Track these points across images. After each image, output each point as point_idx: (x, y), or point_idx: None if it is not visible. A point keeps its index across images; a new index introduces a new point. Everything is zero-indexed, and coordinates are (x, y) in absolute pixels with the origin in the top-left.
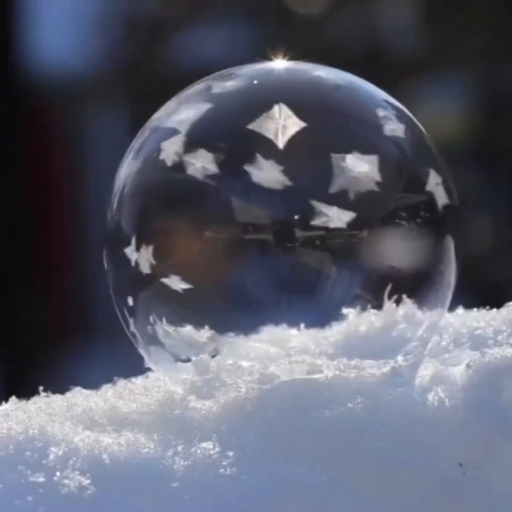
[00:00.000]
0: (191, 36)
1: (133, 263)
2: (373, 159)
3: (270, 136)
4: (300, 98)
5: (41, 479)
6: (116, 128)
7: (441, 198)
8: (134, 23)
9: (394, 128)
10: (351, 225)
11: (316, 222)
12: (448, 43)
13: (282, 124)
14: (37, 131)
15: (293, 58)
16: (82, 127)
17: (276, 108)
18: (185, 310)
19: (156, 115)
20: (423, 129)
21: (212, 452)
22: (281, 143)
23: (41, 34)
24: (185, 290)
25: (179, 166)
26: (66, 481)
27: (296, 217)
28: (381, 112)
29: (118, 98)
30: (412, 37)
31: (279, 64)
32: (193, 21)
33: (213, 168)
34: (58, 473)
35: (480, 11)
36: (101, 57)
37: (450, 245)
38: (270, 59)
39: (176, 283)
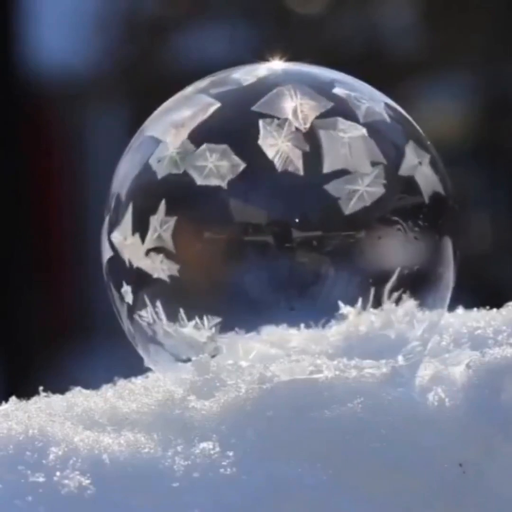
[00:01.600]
0: (191, 36)
1: (133, 264)
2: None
3: (287, 116)
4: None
5: (41, 479)
6: (116, 128)
7: (439, 197)
8: (134, 23)
9: (394, 128)
10: (349, 225)
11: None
12: (448, 43)
13: (299, 102)
14: (37, 131)
15: (293, 58)
16: (82, 127)
17: (286, 89)
18: (185, 310)
19: (154, 115)
20: (420, 129)
21: (212, 452)
22: (302, 124)
23: (41, 34)
24: (185, 290)
25: (178, 167)
26: (66, 481)
27: (295, 218)
28: (379, 110)
29: (118, 98)
30: (412, 37)
31: (279, 64)
32: (193, 21)
33: (212, 169)
34: (58, 473)
35: (480, 10)
36: (101, 57)
37: (448, 245)
38: (270, 59)
39: (175, 284)
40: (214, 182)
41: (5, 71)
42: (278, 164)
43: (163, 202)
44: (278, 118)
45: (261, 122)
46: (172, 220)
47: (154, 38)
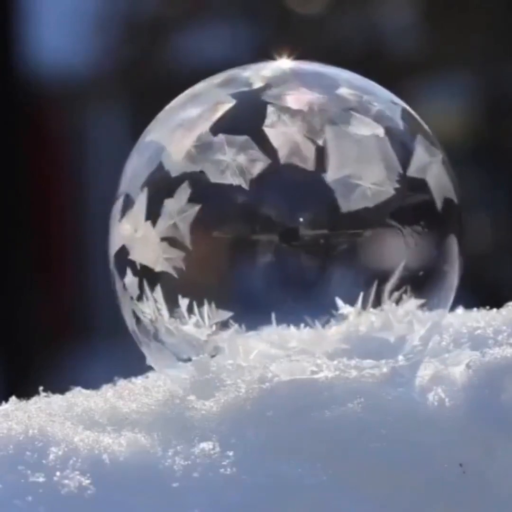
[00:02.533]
0: (191, 36)
1: (140, 257)
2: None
3: (301, 107)
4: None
5: (41, 479)
6: (116, 128)
7: (444, 197)
8: (134, 23)
9: (397, 125)
10: (355, 224)
11: (356, 194)
12: (448, 43)
13: (315, 97)
14: (37, 131)
15: (293, 58)
16: (82, 127)
17: (299, 85)
18: (186, 306)
19: (164, 111)
20: (427, 128)
21: (212, 452)
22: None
23: (41, 34)
24: (188, 286)
25: (187, 164)
26: (66, 481)
27: (300, 217)
28: (391, 114)
29: (118, 98)
30: (412, 37)
31: (290, 63)
32: (193, 21)
33: (221, 167)
34: (58, 473)
35: (480, 10)
36: (101, 57)
37: (454, 244)
38: (270, 59)
39: (179, 279)
40: (233, 180)
41: (5, 71)
42: (284, 152)
43: (181, 192)
44: (291, 108)
45: (270, 108)
46: (190, 210)
47: (154, 38)
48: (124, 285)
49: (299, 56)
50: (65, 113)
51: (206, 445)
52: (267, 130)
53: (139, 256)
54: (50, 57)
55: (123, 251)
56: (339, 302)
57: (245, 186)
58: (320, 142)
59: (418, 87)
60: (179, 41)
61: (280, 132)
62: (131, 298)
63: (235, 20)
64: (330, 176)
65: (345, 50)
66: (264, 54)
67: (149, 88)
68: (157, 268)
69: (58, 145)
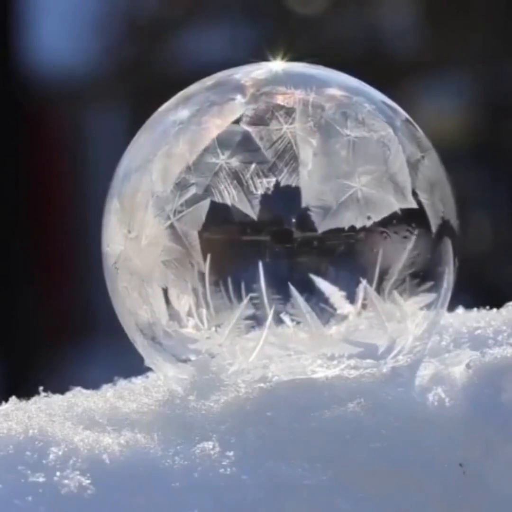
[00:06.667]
0: (191, 36)
1: (133, 265)
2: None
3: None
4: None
5: (41, 479)
6: (116, 128)
7: (438, 198)
8: (134, 23)
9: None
10: (349, 226)
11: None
12: (448, 43)
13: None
14: (37, 131)
15: (293, 58)
16: (82, 127)
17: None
18: (184, 310)
19: (158, 111)
20: (420, 129)
21: (212, 452)
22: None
23: (41, 34)
24: (184, 289)
25: (181, 165)
26: (66, 481)
27: (293, 218)
28: (381, 115)
29: (118, 98)
30: (412, 37)
31: (281, 64)
32: (193, 21)
33: (214, 168)
34: (58, 473)
35: (480, 10)
36: (101, 57)
37: (448, 245)
38: (270, 59)
39: (174, 283)
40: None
41: (5, 71)
42: (277, 153)
43: (177, 194)
44: (282, 109)
45: (262, 109)
46: (186, 211)
47: (154, 38)
48: (119, 287)
49: (298, 57)
50: (64, 113)
51: (206, 445)
52: (258, 132)
53: (134, 257)
54: (49, 57)
55: (117, 253)
56: (338, 302)
57: (250, 210)
58: (313, 143)
59: (418, 87)
60: (179, 41)
61: (273, 133)
62: (129, 301)
63: (235, 20)
64: (319, 178)
65: (345, 50)
66: (264, 54)
67: (149, 88)
68: (153, 270)
69: (58, 144)
